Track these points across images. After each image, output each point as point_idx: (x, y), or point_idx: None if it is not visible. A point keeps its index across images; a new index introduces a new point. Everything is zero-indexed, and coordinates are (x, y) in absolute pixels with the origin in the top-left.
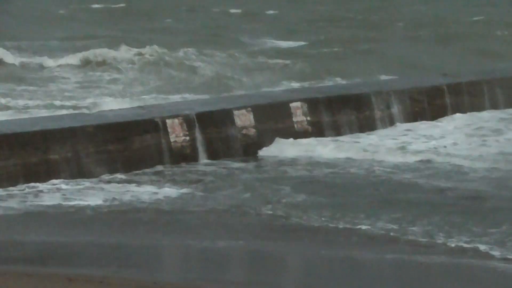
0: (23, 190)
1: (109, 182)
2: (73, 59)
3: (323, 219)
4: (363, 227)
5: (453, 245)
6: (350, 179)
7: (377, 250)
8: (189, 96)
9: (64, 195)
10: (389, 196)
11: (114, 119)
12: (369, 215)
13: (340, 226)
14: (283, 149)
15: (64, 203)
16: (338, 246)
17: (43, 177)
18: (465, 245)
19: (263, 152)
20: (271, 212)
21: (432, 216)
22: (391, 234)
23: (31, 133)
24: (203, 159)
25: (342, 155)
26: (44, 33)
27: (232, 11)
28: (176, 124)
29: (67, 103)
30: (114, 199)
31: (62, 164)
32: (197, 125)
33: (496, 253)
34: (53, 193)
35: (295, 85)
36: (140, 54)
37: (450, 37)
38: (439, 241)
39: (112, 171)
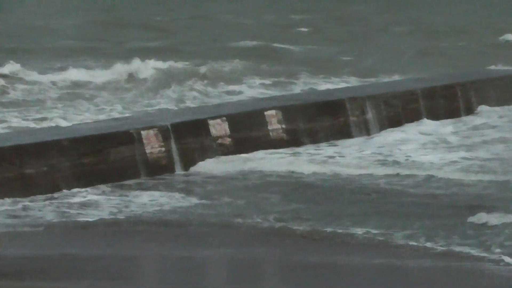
0: (4, 205)
1: (92, 194)
2: (50, 74)
3: (312, 225)
4: (351, 232)
5: (441, 248)
6: (337, 187)
7: (365, 256)
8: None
9: (58, 207)
10: (375, 202)
11: (88, 132)
12: (357, 221)
13: (328, 232)
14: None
15: (55, 218)
16: (326, 252)
17: (21, 192)
18: (454, 249)
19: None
20: (261, 220)
21: (419, 221)
22: (379, 238)
23: (5, 148)
24: (179, 170)
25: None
26: (24, 45)
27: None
28: (151, 135)
29: (38, 117)
30: (109, 212)
31: (38, 178)
32: (172, 135)
33: (485, 255)
34: (43, 207)
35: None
36: (125, 65)
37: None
38: (427, 245)
39: (88, 184)
